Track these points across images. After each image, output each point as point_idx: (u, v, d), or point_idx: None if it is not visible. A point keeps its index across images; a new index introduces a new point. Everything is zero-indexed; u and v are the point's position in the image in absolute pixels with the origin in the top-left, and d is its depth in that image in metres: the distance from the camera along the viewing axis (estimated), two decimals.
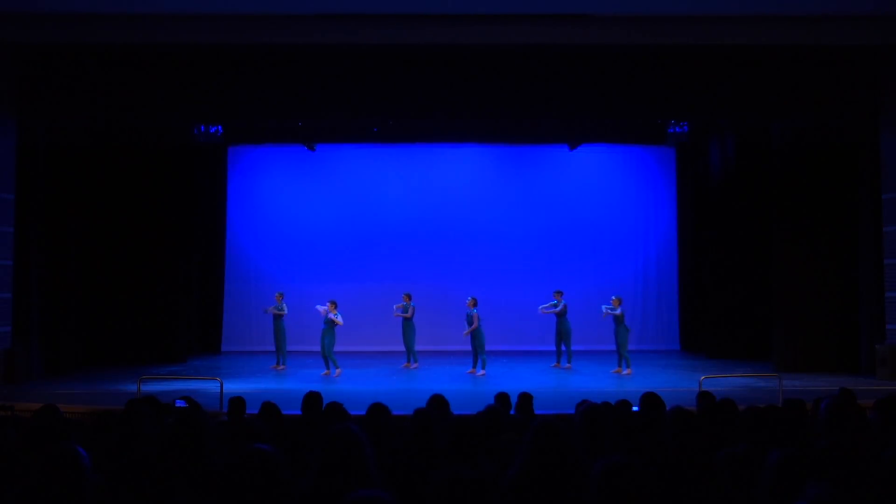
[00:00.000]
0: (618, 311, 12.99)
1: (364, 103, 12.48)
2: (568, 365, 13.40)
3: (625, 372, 12.70)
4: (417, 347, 13.79)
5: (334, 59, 12.19)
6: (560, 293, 13.64)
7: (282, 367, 13.28)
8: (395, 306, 13.78)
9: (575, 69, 12.28)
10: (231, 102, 12.53)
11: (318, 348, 13.00)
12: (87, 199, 13.78)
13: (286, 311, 13.50)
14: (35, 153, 12.35)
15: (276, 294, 13.63)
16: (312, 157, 16.77)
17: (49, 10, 11.11)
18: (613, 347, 13.23)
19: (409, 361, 13.58)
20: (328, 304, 12.93)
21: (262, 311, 14.02)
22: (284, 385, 11.46)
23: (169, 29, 11.36)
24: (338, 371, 12.64)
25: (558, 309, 13.44)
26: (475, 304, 13.01)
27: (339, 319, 12.82)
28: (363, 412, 4.55)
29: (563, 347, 13.56)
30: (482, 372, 12.67)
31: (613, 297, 13.24)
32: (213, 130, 14.55)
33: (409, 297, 13.64)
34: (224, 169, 16.78)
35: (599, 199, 17.04)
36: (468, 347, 13.22)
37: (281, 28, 11.39)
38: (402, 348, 13.81)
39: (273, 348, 13.71)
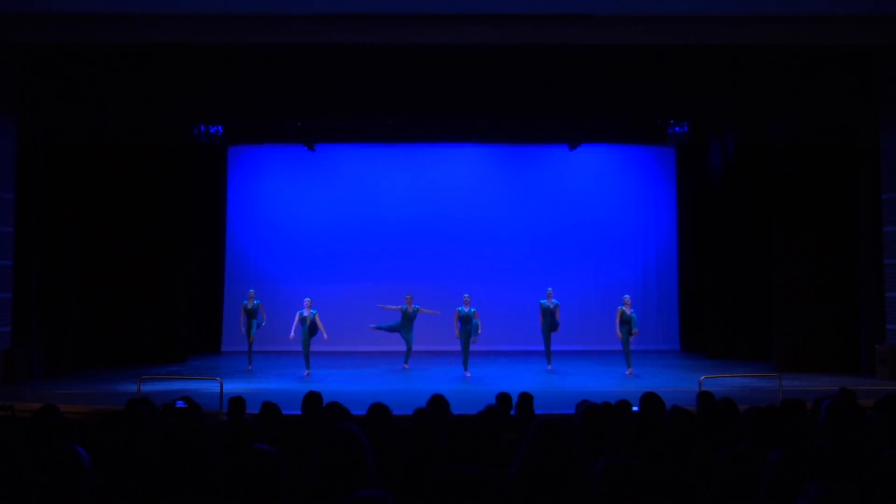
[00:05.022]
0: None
1: (364, 103, 12.48)
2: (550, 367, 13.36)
3: (627, 372, 12.72)
4: (416, 347, 13.81)
5: (334, 59, 12.19)
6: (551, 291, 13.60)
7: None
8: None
9: (575, 69, 12.27)
10: (231, 102, 12.53)
11: (319, 349, 13.01)
12: (87, 198, 13.78)
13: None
14: (35, 153, 12.36)
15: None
16: (312, 157, 16.78)
17: (50, 10, 11.12)
18: (611, 347, 13.23)
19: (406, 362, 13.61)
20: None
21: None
22: (284, 385, 11.46)
23: (169, 29, 11.38)
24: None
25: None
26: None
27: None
28: (363, 412, 4.55)
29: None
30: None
31: (626, 296, 13.18)
32: (213, 130, 14.55)
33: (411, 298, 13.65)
34: (224, 169, 16.78)
35: (599, 199, 17.04)
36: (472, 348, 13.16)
37: (281, 28, 11.41)
38: (403, 348, 13.82)
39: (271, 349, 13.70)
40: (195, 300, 15.74)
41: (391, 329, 13.64)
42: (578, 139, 16.33)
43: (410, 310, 13.41)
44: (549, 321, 13.32)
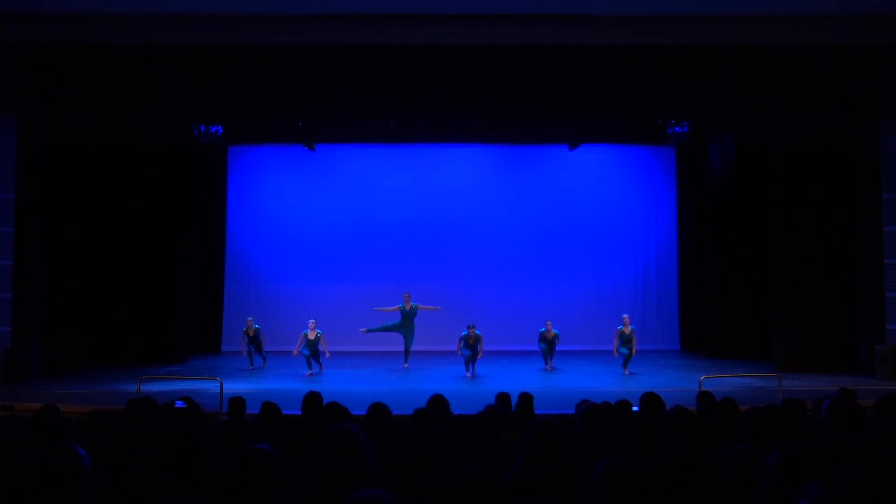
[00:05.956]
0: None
1: (364, 103, 12.47)
2: (548, 366, 13.41)
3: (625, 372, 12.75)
4: (417, 347, 13.80)
5: (334, 59, 12.19)
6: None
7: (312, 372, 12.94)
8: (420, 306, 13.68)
9: (575, 69, 12.27)
10: (231, 102, 12.52)
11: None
12: (88, 198, 13.79)
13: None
14: (35, 153, 12.36)
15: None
16: (312, 157, 16.77)
17: (50, 10, 11.12)
18: (611, 347, 13.27)
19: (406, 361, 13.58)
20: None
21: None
22: (284, 385, 11.46)
23: (169, 29, 11.37)
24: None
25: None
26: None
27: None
28: (363, 412, 4.55)
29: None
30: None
31: (625, 316, 13.24)
32: (213, 130, 14.54)
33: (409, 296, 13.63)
34: (224, 169, 16.78)
35: (599, 199, 17.04)
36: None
37: (281, 28, 11.40)
38: (403, 348, 13.80)
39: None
40: (195, 300, 15.74)
41: (385, 329, 13.65)
42: (578, 139, 16.33)
43: (409, 308, 13.40)
44: (547, 348, 13.38)
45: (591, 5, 11.09)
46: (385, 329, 13.67)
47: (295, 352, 12.98)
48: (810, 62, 12.19)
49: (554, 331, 13.40)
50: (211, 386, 10.22)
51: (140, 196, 14.39)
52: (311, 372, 12.71)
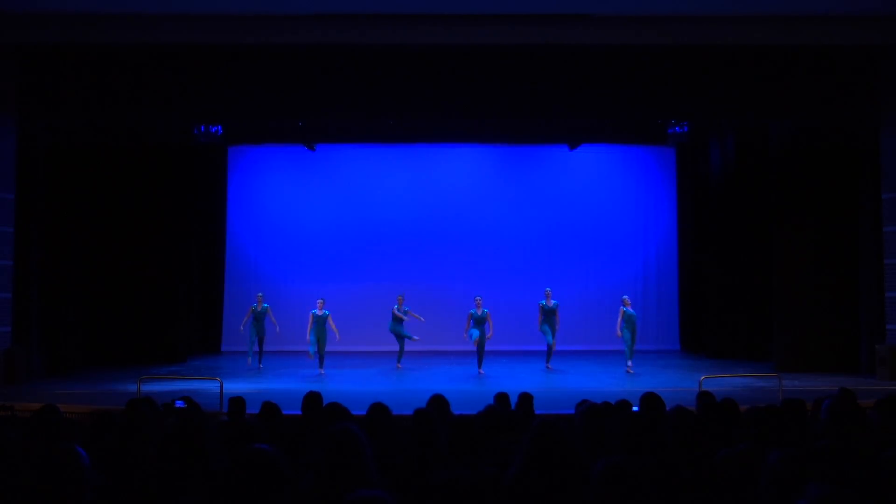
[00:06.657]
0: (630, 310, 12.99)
1: (364, 103, 12.46)
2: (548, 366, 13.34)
3: (627, 369, 12.73)
4: (417, 347, 13.80)
5: (334, 59, 12.19)
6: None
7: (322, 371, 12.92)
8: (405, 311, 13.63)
9: (575, 69, 12.27)
10: (231, 102, 12.51)
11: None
12: (87, 199, 13.79)
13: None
14: (35, 153, 12.36)
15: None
16: (312, 157, 16.78)
17: (49, 10, 11.12)
18: (611, 347, 13.24)
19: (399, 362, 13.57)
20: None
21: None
22: (284, 385, 11.46)
23: (169, 29, 11.38)
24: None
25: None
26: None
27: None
28: (363, 412, 4.54)
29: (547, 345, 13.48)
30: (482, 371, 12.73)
31: (625, 297, 13.21)
32: (213, 130, 14.54)
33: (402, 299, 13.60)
34: (224, 169, 16.80)
35: (599, 199, 17.05)
36: (468, 347, 13.17)
37: (281, 28, 11.41)
38: (406, 349, 13.79)
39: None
40: (195, 300, 15.75)
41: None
42: (578, 139, 16.33)
43: (401, 310, 13.39)
44: (549, 321, 13.30)
45: (591, 5, 11.09)
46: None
47: (307, 333, 12.90)
48: (810, 62, 12.19)
49: (553, 300, 13.33)
50: (211, 386, 10.22)
51: (140, 196, 14.39)
52: (322, 371, 12.66)
